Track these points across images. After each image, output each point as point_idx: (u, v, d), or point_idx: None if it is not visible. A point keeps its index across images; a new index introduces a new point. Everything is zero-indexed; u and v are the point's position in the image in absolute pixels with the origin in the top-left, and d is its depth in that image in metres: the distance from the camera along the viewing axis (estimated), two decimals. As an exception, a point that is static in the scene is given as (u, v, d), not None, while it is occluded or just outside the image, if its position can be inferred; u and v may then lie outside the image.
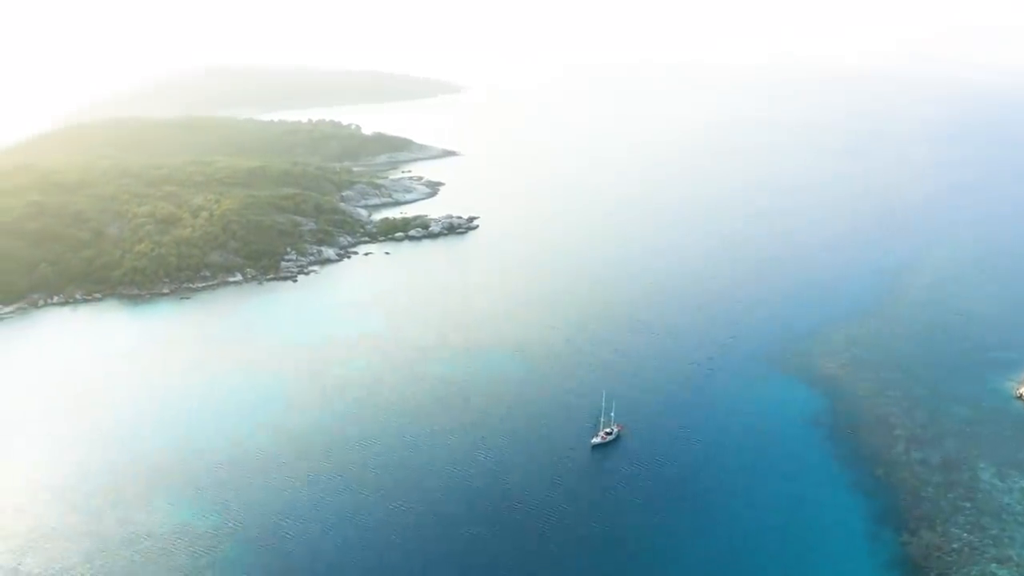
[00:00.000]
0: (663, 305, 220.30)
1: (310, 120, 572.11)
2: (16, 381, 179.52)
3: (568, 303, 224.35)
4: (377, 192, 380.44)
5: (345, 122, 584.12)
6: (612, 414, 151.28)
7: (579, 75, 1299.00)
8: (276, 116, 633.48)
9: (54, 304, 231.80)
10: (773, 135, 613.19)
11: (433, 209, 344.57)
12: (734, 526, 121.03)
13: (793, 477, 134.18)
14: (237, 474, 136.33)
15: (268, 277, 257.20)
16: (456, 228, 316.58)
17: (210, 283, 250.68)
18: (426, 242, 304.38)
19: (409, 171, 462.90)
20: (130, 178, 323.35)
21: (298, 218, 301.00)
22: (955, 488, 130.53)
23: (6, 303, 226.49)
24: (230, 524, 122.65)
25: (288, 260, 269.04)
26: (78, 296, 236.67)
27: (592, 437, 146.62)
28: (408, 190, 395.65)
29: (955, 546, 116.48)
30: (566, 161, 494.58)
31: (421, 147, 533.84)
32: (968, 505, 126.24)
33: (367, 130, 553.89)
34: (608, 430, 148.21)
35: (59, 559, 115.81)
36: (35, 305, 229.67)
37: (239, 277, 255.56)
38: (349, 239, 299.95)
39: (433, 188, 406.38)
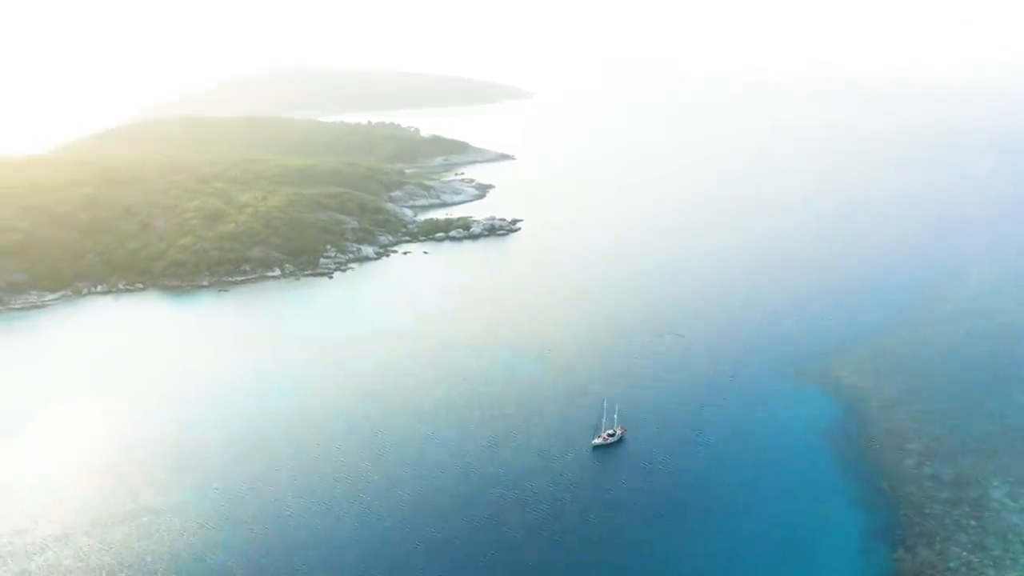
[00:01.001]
0: (694, 310, 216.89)
1: (369, 122, 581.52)
2: (54, 363, 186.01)
3: (596, 306, 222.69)
4: (425, 193, 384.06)
5: (405, 125, 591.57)
6: (615, 416, 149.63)
7: (646, 83, 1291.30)
8: (343, 118, 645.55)
9: (98, 293, 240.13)
10: (838, 144, 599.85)
11: (479, 211, 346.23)
12: (722, 535, 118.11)
13: (794, 487, 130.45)
14: (245, 457, 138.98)
15: (305, 273, 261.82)
16: (497, 230, 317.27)
17: (249, 277, 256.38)
18: (467, 243, 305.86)
19: (462, 173, 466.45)
20: (183, 174, 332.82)
21: (341, 216, 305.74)
22: (962, 505, 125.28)
23: (52, 290, 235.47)
24: (228, 504, 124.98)
25: (327, 257, 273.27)
26: (121, 286, 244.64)
27: (594, 438, 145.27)
28: (457, 192, 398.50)
29: (952, 565, 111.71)
30: (620, 166, 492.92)
31: (477, 150, 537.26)
32: (973, 523, 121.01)
33: (426, 133, 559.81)
34: (611, 431, 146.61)
35: (67, 526, 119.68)
36: (79, 293, 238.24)
37: (277, 272, 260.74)
38: (390, 238, 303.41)
39: (482, 190, 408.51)
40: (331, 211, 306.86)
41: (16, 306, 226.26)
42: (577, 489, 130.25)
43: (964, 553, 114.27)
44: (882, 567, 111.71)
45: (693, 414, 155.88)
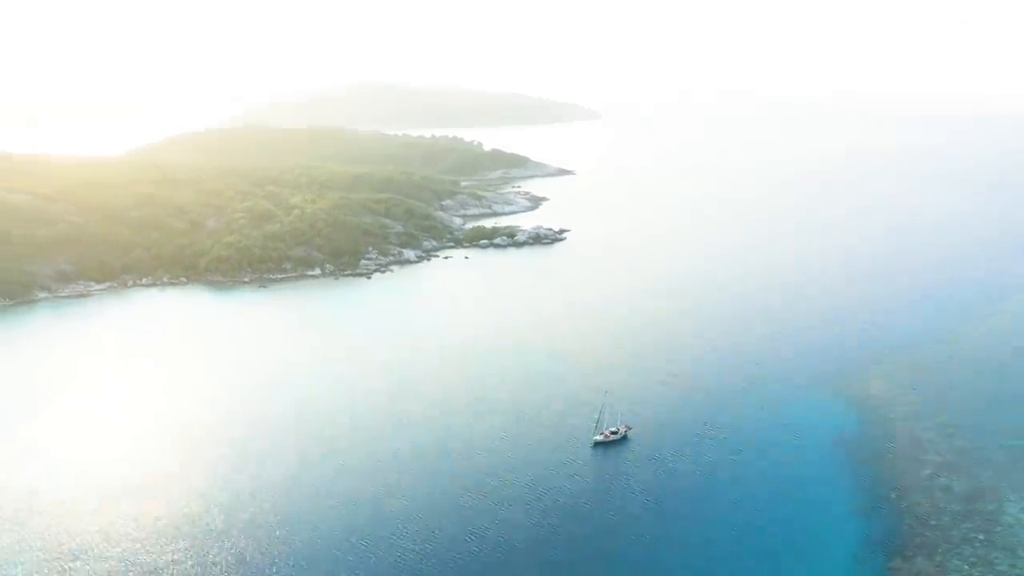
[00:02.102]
0: (731, 319, 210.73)
1: (432, 136, 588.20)
2: (95, 347, 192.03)
3: (627, 313, 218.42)
4: (477, 203, 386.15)
5: (469, 139, 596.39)
6: (619, 415, 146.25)
7: (720, 108, 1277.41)
8: (415, 133, 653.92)
9: (143, 285, 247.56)
10: (908, 164, 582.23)
11: (529, 222, 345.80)
12: (716, 540, 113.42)
13: (797, 493, 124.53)
14: (259, 446, 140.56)
15: (345, 273, 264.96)
16: (542, 238, 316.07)
17: (289, 275, 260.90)
18: (510, 250, 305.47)
19: (519, 186, 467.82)
20: (238, 178, 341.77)
21: (387, 220, 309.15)
22: (973, 518, 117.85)
23: (99, 281, 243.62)
24: (228, 491, 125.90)
25: (368, 259, 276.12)
26: (166, 279, 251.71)
27: (595, 434, 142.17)
28: (509, 203, 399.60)
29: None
30: (681, 184, 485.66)
31: (537, 164, 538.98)
32: (981, 537, 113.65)
33: (487, 147, 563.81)
34: (613, 429, 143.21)
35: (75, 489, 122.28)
36: (125, 285, 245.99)
37: (317, 271, 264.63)
38: (434, 243, 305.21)
39: (535, 202, 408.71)
40: (377, 215, 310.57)
41: (63, 294, 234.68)
42: (573, 482, 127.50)
43: (966, 566, 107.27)
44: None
45: (706, 418, 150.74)
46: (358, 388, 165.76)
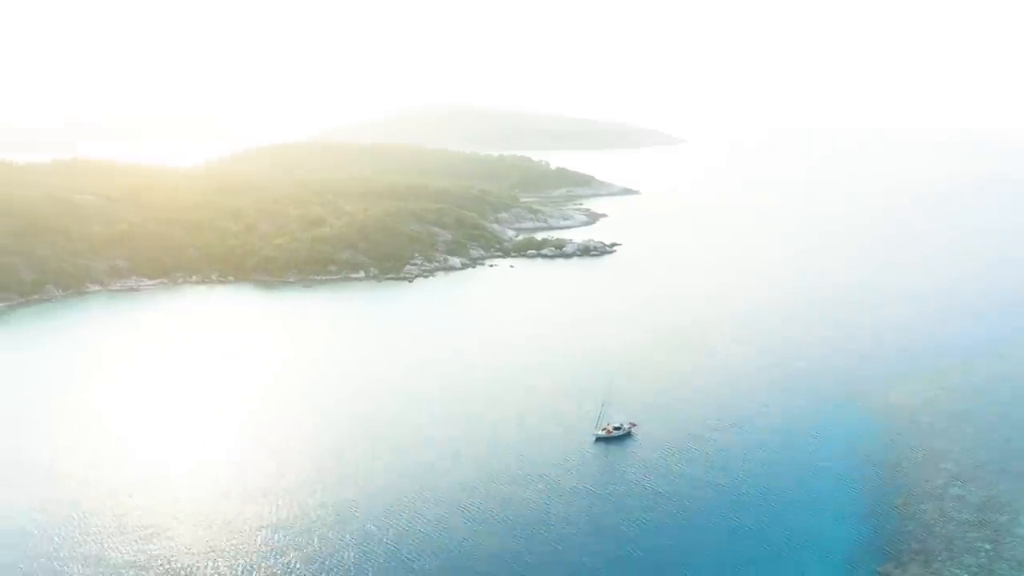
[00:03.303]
0: (762, 331, 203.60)
1: (500, 155, 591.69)
2: (142, 335, 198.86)
3: (665, 322, 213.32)
4: (532, 217, 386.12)
5: (537, 158, 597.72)
6: (626, 412, 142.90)
7: (808, 145, 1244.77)
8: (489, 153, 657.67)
9: (191, 282, 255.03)
10: (995, 195, 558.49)
11: (583, 235, 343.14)
12: (709, 541, 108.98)
13: (800, 498, 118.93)
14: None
15: (388, 276, 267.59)
16: (591, 251, 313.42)
17: (334, 277, 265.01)
18: (557, 260, 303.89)
19: (581, 204, 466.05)
20: (298, 187, 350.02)
21: (436, 229, 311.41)
22: (982, 528, 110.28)
23: (150, 277, 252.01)
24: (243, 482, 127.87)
25: (413, 264, 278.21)
26: (214, 277, 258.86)
27: (596, 429, 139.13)
28: (566, 217, 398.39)
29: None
30: (750, 209, 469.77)
31: (602, 184, 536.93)
32: (988, 547, 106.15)
33: (553, 166, 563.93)
34: (617, 425, 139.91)
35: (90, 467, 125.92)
36: (175, 281, 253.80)
37: (361, 274, 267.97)
38: (481, 252, 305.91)
39: (592, 218, 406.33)
40: (427, 223, 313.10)
41: (114, 288, 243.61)
42: (570, 475, 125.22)
43: (965, 575, 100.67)
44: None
45: (717, 420, 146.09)
46: (368, 382, 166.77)
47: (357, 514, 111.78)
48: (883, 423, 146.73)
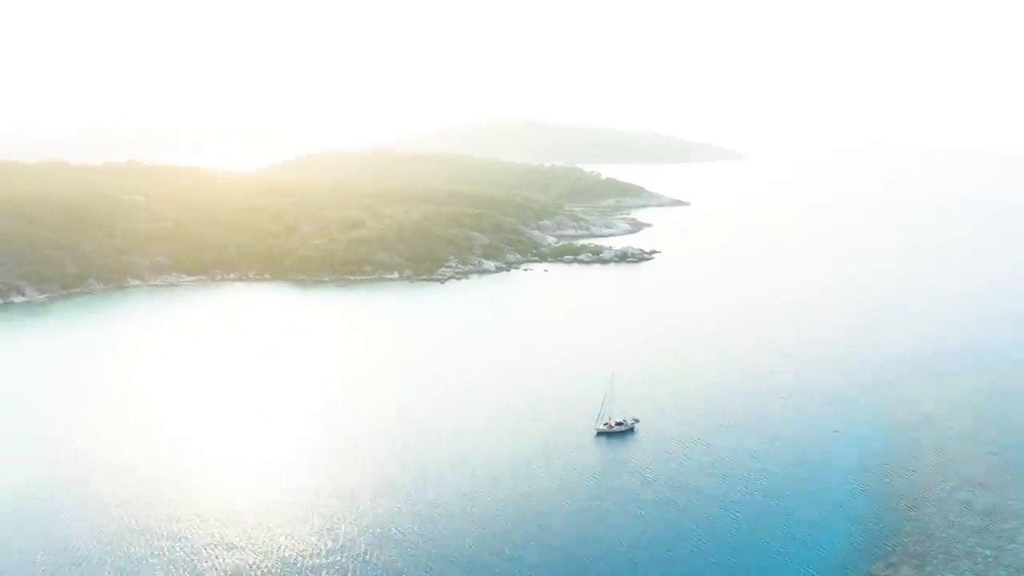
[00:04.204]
0: (789, 338, 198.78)
1: (552, 165, 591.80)
2: (174, 329, 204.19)
3: (687, 325, 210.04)
4: (575, 224, 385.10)
5: (588, 170, 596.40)
6: (629, 407, 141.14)
7: (875, 163, 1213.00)
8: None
9: (230, 279, 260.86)
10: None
11: (623, 243, 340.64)
12: (697, 538, 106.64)
13: (800, 499, 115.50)
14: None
15: (421, 278, 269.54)
16: (628, 257, 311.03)
17: (368, 277, 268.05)
18: (594, 266, 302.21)
19: (628, 213, 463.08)
20: (342, 192, 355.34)
21: (474, 233, 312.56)
22: (984, 534, 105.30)
23: (190, 273, 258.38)
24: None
25: (447, 266, 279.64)
26: (251, 275, 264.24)
27: (597, 424, 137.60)
28: (609, 226, 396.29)
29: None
30: (803, 224, 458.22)
31: (652, 195, 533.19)
32: (988, 553, 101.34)
33: (604, 177, 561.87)
34: (619, 420, 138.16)
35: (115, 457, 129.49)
36: (213, 278, 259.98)
37: (395, 275, 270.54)
38: (517, 256, 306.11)
39: (637, 227, 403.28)
40: (464, 228, 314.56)
41: (155, 283, 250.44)
42: (570, 468, 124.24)
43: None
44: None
45: (722, 419, 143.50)
46: (378, 377, 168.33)
47: (359, 505, 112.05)
48: (897, 428, 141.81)
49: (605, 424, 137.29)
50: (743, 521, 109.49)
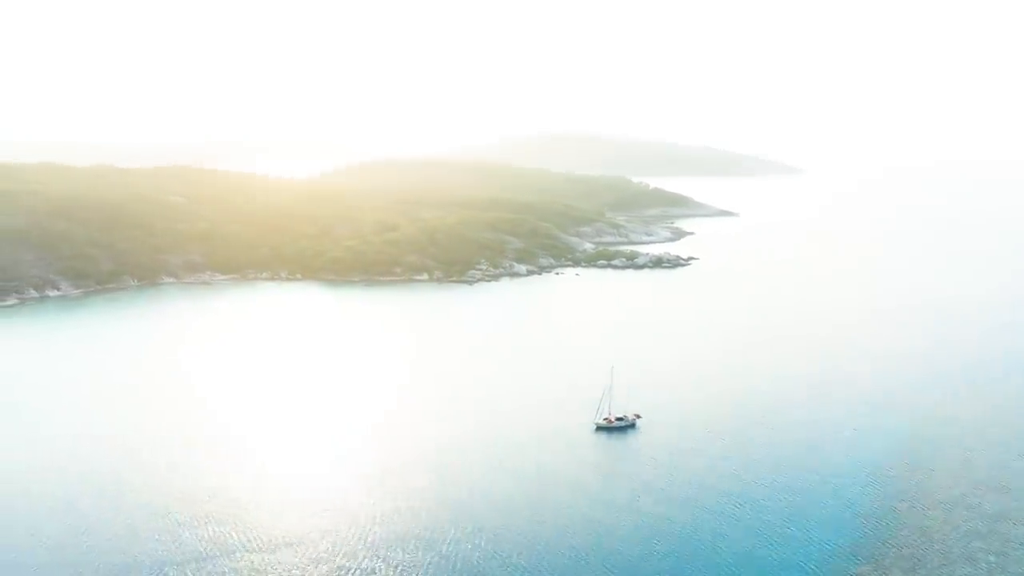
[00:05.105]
0: (814, 347, 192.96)
1: (601, 174, 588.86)
2: (205, 323, 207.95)
3: (709, 327, 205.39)
4: (614, 231, 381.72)
5: (637, 180, 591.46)
6: (629, 405, 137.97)
7: (932, 182, 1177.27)
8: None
9: (262, 278, 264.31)
10: None
11: (661, 250, 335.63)
12: (693, 536, 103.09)
13: (799, 499, 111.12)
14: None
15: (450, 280, 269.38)
16: (663, 263, 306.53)
17: (398, 278, 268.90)
18: (628, 271, 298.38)
19: (672, 223, 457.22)
20: (381, 197, 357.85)
21: (508, 237, 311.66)
22: (989, 538, 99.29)
23: (223, 272, 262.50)
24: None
25: (478, 269, 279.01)
26: (283, 275, 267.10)
27: (597, 418, 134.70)
28: (649, 233, 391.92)
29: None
30: (853, 237, 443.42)
31: (698, 205, 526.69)
32: (991, 559, 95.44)
33: (651, 186, 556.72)
34: (620, 415, 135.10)
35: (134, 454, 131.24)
36: (245, 277, 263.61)
37: (425, 277, 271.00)
38: (551, 260, 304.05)
39: (678, 235, 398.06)
40: (499, 232, 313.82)
41: (188, 281, 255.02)
42: (569, 462, 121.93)
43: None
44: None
45: (725, 417, 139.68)
46: (383, 375, 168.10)
47: (363, 498, 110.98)
48: (912, 432, 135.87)
49: (604, 419, 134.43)
50: (743, 521, 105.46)
